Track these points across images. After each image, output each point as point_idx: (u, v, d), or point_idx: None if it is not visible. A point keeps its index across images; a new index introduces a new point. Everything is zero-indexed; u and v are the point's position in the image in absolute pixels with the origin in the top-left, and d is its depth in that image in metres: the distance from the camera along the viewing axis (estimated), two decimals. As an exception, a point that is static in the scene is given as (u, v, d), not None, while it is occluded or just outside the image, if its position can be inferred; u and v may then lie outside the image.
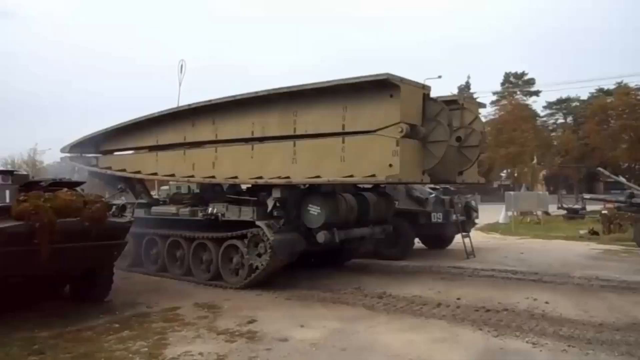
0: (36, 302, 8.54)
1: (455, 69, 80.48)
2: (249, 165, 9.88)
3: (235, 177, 10.20)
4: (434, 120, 8.30)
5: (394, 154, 7.79)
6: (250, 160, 9.89)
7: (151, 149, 12.50)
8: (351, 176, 8.36)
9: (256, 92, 9.42)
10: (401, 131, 7.66)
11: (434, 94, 8.67)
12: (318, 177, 8.75)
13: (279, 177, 9.27)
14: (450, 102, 9.32)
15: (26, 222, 7.66)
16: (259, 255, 9.60)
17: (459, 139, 9.10)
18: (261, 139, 9.80)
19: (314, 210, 9.37)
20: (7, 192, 8.48)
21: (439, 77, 35.31)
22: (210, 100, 10.41)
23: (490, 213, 24.29)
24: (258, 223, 9.49)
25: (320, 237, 9.34)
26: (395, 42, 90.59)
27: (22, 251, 7.58)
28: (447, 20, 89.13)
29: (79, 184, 9.39)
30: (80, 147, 14.12)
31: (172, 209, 11.70)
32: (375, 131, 8.05)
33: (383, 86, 7.95)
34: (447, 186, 14.38)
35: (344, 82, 8.20)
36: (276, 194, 9.43)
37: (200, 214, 10.76)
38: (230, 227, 10.11)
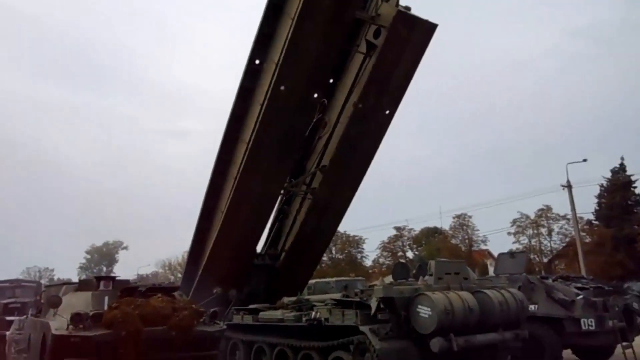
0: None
1: (607, 150, 73.45)
2: None
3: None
4: None
5: None
6: None
7: None
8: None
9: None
10: None
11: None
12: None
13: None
14: None
15: (114, 330, 7.51)
16: (367, 368, 8.21)
17: None
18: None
19: (424, 312, 7.88)
20: (106, 297, 8.50)
21: (584, 160, 31.90)
22: None
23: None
24: (362, 328, 8.23)
25: (434, 344, 7.75)
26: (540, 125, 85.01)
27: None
28: (597, 101, 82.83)
29: (175, 289, 9.18)
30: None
31: (277, 313, 10.94)
32: None
33: None
34: (600, 285, 11.79)
35: None
36: (379, 293, 8.19)
37: (304, 319, 9.79)
38: (337, 334, 8.97)
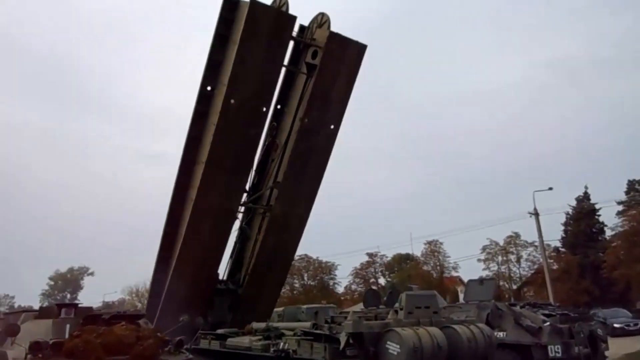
0: None
1: (572, 179, 75.07)
2: None
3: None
4: None
5: None
6: None
7: None
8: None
9: None
10: None
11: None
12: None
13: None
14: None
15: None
16: (334, 403, 8.10)
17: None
18: None
19: (393, 348, 7.84)
20: (68, 325, 8.22)
21: (550, 188, 32.56)
22: None
23: (632, 340, 20.16)
24: (330, 363, 8.14)
25: (399, 382, 7.70)
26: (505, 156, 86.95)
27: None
28: (563, 130, 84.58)
29: (140, 316, 8.91)
30: None
31: (245, 341, 10.80)
32: None
33: None
34: (566, 312, 11.98)
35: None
36: (348, 328, 8.12)
37: (272, 350, 9.66)
38: (305, 366, 8.88)
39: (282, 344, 9.46)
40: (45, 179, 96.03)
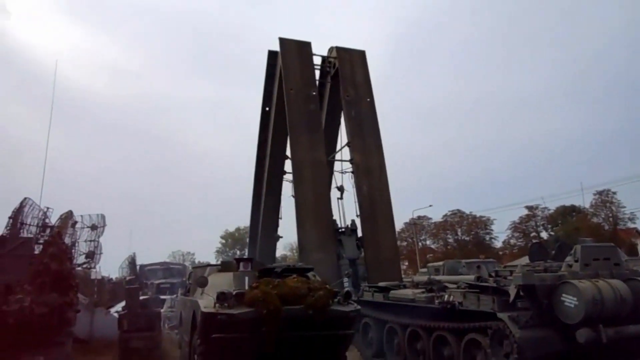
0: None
1: None
2: None
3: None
4: None
5: None
6: None
7: None
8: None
9: None
10: None
11: None
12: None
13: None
14: None
15: (256, 308, 7.88)
16: (507, 355, 7.92)
17: None
18: None
19: (569, 301, 7.38)
20: (247, 278, 8.94)
21: None
22: None
23: None
24: (500, 315, 7.95)
25: (581, 335, 7.25)
26: None
27: (251, 338, 7.76)
28: None
29: (309, 269, 9.41)
30: None
31: (408, 293, 10.92)
32: None
33: None
34: None
35: None
36: (518, 280, 7.80)
37: (436, 301, 9.68)
38: (471, 317, 8.80)
39: (446, 296, 9.41)
40: (217, 148, 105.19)
